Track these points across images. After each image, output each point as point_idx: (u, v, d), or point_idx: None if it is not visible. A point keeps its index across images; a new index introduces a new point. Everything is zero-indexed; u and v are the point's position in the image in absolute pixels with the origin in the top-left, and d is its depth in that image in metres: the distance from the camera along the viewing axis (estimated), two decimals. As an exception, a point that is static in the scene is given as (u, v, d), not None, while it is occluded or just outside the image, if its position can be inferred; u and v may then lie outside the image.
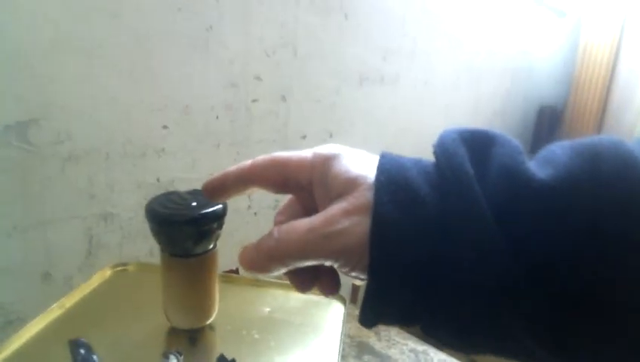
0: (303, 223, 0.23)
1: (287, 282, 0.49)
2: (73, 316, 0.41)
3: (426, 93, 1.10)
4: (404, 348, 0.65)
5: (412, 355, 0.64)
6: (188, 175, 0.64)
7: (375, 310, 0.23)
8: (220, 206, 0.37)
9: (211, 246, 0.38)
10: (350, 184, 0.23)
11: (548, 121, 1.54)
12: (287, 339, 0.40)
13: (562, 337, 0.20)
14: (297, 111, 0.81)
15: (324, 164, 0.24)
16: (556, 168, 0.21)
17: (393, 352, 0.64)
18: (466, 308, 0.21)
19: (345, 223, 0.22)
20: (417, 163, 0.23)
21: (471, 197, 0.21)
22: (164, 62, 0.62)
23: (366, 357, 0.62)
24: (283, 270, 0.24)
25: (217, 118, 0.69)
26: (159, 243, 0.37)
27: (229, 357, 0.28)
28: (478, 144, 0.22)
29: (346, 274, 0.23)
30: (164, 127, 0.64)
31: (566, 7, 1.52)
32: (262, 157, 0.26)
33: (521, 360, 0.22)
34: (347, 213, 0.22)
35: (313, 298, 0.47)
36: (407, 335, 0.69)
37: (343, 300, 0.47)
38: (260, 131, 0.76)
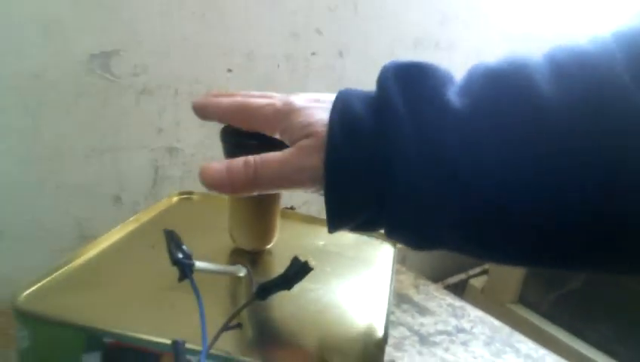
0: (277, 156, 0.29)
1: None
2: (147, 230, 0.45)
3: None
4: (442, 302, 0.68)
5: (449, 309, 0.66)
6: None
7: (336, 220, 0.29)
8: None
9: (279, 173, 0.41)
10: (312, 129, 0.28)
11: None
12: (342, 268, 0.43)
13: (484, 241, 0.27)
14: (353, 68, 0.82)
15: (286, 118, 0.29)
16: (470, 97, 0.25)
17: (431, 305, 0.67)
18: (406, 215, 0.27)
19: (313, 159, 0.27)
20: (365, 98, 0.28)
21: (397, 121, 0.25)
22: (233, 7, 0.64)
23: (405, 306, 0.66)
24: (248, 194, 0.30)
25: (278, 66, 0.72)
26: (231, 167, 0.40)
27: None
28: (410, 77, 0.27)
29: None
30: (229, 70, 0.66)
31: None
32: (236, 103, 0.32)
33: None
34: (314, 149, 0.27)
35: (365, 238, 0.50)
36: (445, 291, 0.72)
37: (393, 243, 0.49)
38: (316, 84, 0.78)
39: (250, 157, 0.29)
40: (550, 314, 0.93)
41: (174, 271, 0.30)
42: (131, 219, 0.45)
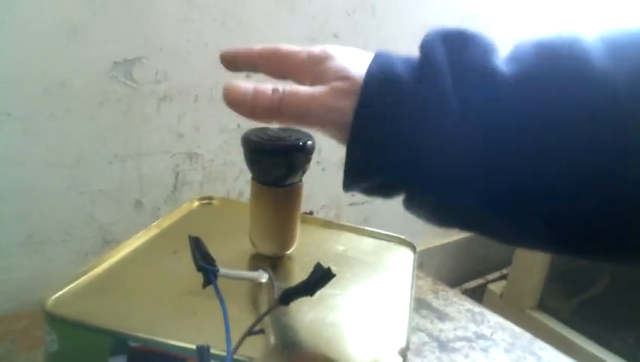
0: (308, 90, 0.27)
1: (360, 226, 0.52)
2: (168, 235, 0.45)
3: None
4: (461, 307, 0.68)
5: (469, 315, 0.66)
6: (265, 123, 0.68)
7: (354, 174, 0.27)
8: (310, 142, 0.40)
9: (298, 179, 0.41)
10: (348, 72, 0.26)
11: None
12: (362, 274, 0.43)
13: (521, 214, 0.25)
14: (370, 73, 0.83)
15: (321, 63, 0.28)
16: (519, 66, 0.24)
17: (450, 310, 0.66)
18: (436, 174, 0.25)
19: (344, 101, 0.26)
20: (406, 59, 0.27)
21: (441, 86, 0.24)
22: (252, 13, 0.65)
23: (424, 312, 0.65)
24: (269, 122, 0.29)
25: (296, 71, 0.72)
26: (251, 172, 0.41)
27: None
28: (456, 43, 0.26)
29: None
30: (247, 75, 0.67)
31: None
32: (269, 48, 0.31)
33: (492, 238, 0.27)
34: (348, 93, 0.26)
35: (384, 243, 0.50)
36: (464, 297, 0.71)
37: (412, 247, 0.49)
38: (334, 89, 0.78)
39: (280, 85, 0.27)
40: (571, 321, 0.91)
41: (197, 277, 0.31)
42: (153, 224, 0.46)
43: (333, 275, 0.29)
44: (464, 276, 1.19)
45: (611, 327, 0.90)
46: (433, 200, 0.26)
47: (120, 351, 0.30)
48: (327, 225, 0.53)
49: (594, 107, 0.22)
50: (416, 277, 0.75)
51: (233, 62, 0.32)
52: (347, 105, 0.25)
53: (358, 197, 0.90)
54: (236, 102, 0.28)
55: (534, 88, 0.23)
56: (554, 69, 0.23)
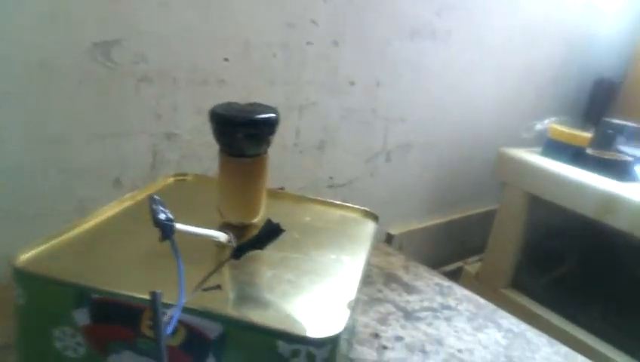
0: None
1: (328, 200, 0.55)
2: (142, 207, 0.47)
3: (477, 52, 1.11)
4: (430, 281, 0.70)
5: (437, 288, 0.69)
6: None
7: None
8: (274, 115, 0.42)
9: (263, 150, 0.44)
10: None
11: (604, 94, 1.50)
12: (324, 241, 0.46)
13: None
14: (348, 58, 0.85)
15: None
16: None
17: (419, 284, 0.69)
18: None
19: None
20: None
21: None
22: (230, -3, 0.67)
23: (393, 285, 0.68)
24: None
25: (274, 56, 0.74)
26: (218, 144, 0.43)
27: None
28: None
29: None
30: (225, 59, 0.69)
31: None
32: None
33: None
34: None
35: (350, 214, 0.53)
36: (434, 272, 0.74)
37: (375, 218, 0.51)
38: (312, 73, 0.80)
39: None
40: (542, 298, 0.95)
41: (166, 243, 0.33)
42: (127, 196, 0.48)
43: (283, 230, 0.32)
44: (443, 259, 1.22)
45: (578, 303, 0.93)
46: None
47: (83, 304, 0.32)
48: (297, 199, 0.55)
49: None
50: (389, 255, 0.78)
51: None
52: None
53: (336, 179, 0.92)
54: None
55: None
56: None
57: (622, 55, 1.50)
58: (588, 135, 0.97)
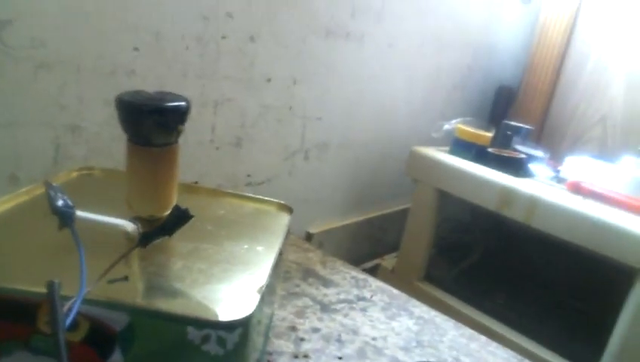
0: None
1: (243, 193, 0.54)
2: (39, 203, 0.44)
3: (390, 55, 1.15)
4: (347, 275, 0.72)
5: (353, 281, 0.70)
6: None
7: None
8: (184, 103, 0.41)
9: (173, 140, 0.42)
10: None
11: (505, 100, 1.63)
12: (238, 232, 0.45)
13: None
14: (264, 54, 0.84)
15: None
16: None
17: (336, 278, 0.70)
18: None
19: None
20: None
21: None
22: (139, -14, 0.64)
23: (310, 280, 0.69)
24: None
25: (187, 48, 0.72)
26: (126, 133, 0.41)
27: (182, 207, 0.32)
28: None
29: None
30: (135, 49, 0.66)
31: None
32: None
33: None
34: None
35: (264, 207, 0.52)
36: (350, 266, 0.76)
37: (290, 210, 0.52)
38: (227, 68, 0.79)
39: None
40: (452, 288, 1.00)
41: (67, 233, 0.31)
42: (22, 190, 0.45)
43: (191, 216, 0.31)
44: (362, 256, 1.26)
45: (484, 291, 1.00)
46: None
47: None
48: (212, 193, 0.54)
49: None
50: (307, 251, 0.78)
51: None
52: None
53: (254, 177, 0.91)
54: None
55: None
56: None
57: (519, 64, 1.64)
58: (490, 135, 1.04)
